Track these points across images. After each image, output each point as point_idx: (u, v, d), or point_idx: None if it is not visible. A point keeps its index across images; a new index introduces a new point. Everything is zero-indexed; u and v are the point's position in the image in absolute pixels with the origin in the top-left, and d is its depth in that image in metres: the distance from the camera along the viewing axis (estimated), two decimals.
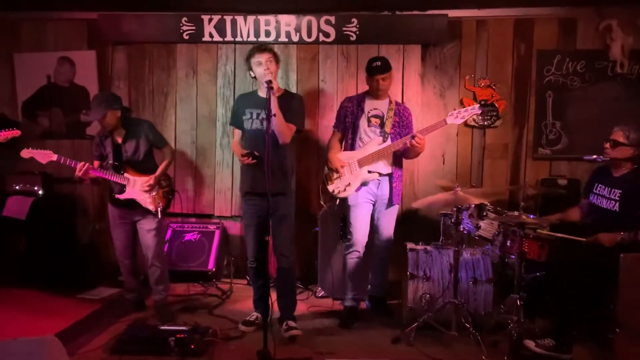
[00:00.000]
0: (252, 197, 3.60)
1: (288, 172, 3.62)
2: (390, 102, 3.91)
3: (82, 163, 3.64)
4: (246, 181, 3.66)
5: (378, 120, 3.87)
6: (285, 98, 3.57)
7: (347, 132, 3.94)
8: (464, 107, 4.51)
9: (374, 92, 3.88)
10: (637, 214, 2.86)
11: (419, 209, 4.70)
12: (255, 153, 3.44)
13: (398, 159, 3.93)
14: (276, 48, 4.59)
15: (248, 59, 3.53)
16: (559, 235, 3.53)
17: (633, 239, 3.18)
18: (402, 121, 3.90)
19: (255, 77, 3.55)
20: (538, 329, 3.44)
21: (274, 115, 3.26)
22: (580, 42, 4.65)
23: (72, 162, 3.66)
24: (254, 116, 3.56)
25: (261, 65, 3.43)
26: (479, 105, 3.68)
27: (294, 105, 3.58)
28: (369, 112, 3.88)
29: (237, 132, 3.72)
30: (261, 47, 3.51)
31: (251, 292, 3.99)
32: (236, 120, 3.68)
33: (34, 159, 3.72)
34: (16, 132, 3.76)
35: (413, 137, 3.66)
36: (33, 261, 4.50)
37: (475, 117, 4.68)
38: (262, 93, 3.29)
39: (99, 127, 3.85)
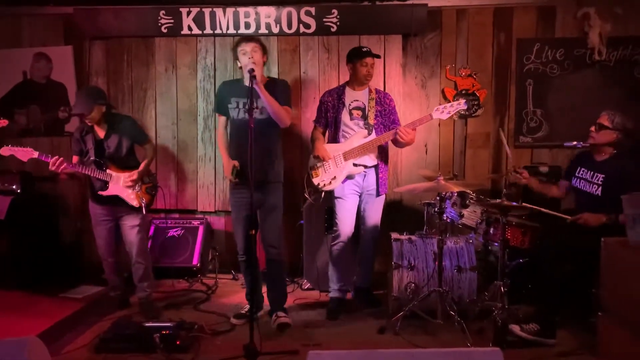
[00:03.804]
0: (240, 189, 3.54)
1: (276, 161, 3.60)
2: (371, 91, 3.90)
3: (56, 158, 3.59)
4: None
5: (360, 112, 3.85)
6: (271, 84, 3.54)
7: (330, 126, 3.92)
8: (449, 101, 4.60)
9: (362, 79, 3.83)
10: (619, 198, 2.89)
11: (403, 199, 4.74)
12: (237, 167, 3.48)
13: (384, 150, 3.93)
14: None
15: (235, 48, 3.50)
16: (545, 210, 3.55)
17: (614, 222, 3.23)
18: (384, 109, 3.88)
19: (241, 67, 3.50)
20: (522, 314, 3.48)
21: (256, 108, 3.25)
22: (559, 30, 4.69)
23: (49, 158, 3.61)
24: (241, 105, 3.52)
25: (246, 54, 3.40)
26: (464, 100, 3.67)
27: (282, 88, 3.56)
28: (350, 104, 3.86)
29: (222, 120, 3.66)
30: (248, 37, 3.50)
31: (236, 287, 4.00)
32: (221, 108, 3.63)
33: (14, 157, 3.68)
34: (3, 122, 3.71)
35: (396, 133, 3.66)
36: (13, 261, 4.42)
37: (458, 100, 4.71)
38: (255, 85, 3.24)
39: (78, 123, 3.79)
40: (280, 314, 3.62)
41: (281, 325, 3.53)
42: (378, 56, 3.90)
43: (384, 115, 3.88)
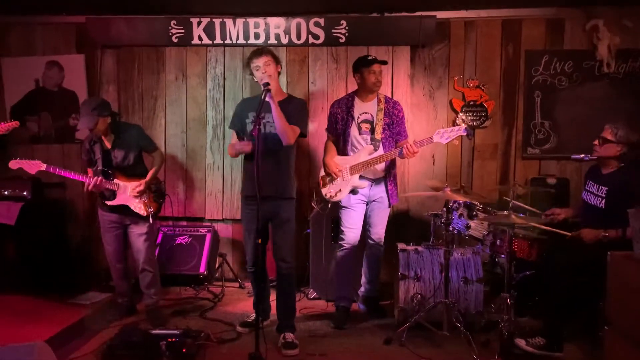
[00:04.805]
0: (253, 201, 3.38)
1: (289, 175, 3.56)
2: (380, 100, 3.89)
3: (96, 178, 3.64)
4: (248, 184, 3.55)
5: (368, 126, 3.85)
6: (289, 102, 3.53)
7: (340, 138, 3.93)
8: (457, 112, 4.69)
9: (371, 87, 3.82)
10: (622, 211, 2.88)
11: (410, 209, 4.74)
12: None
13: (391, 162, 3.92)
14: None
15: (248, 64, 3.49)
16: (545, 227, 3.55)
17: (620, 237, 3.22)
18: (392, 121, 3.88)
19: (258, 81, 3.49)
20: (529, 327, 3.47)
21: (262, 117, 3.26)
22: (567, 42, 4.69)
23: (64, 172, 3.66)
24: (260, 122, 3.49)
25: (259, 69, 3.40)
26: (465, 127, 3.62)
27: (297, 109, 3.52)
28: (358, 117, 3.86)
29: (236, 137, 3.65)
30: (258, 51, 3.46)
31: (243, 295, 4.00)
32: (238, 124, 3.61)
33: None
34: (15, 124, 3.77)
35: (401, 152, 3.65)
36: (23, 267, 4.47)
37: (464, 118, 4.72)
38: (268, 97, 3.21)
39: (88, 132, 3.83)
40: (289, 337, 3.45)
41: (289, 356, 3.36)
42: (385, 62, 3.91)
43: (392, 127, 3.88)
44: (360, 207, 3.90)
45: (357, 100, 3.92)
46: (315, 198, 4.01)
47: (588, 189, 3.59)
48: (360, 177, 3.82)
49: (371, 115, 3.87)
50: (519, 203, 3.92)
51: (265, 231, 3.56)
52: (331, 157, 3.91)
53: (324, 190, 3.90)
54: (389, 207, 3.94)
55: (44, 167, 3.68)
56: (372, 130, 3.84)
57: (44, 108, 5.02)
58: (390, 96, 4.67)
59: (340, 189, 3.83)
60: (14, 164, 3.71)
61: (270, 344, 3.26)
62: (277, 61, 3.49)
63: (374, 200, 3.92)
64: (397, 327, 3.56)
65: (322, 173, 3.97)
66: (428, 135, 3.68)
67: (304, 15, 4.66)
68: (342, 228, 3.92)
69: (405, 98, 4.74)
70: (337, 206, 3.95)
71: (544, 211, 3.83)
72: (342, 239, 3.91)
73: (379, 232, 3.97)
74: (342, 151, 3.93)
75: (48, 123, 5.04)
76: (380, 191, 3.90)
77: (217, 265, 4.83)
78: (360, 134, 3.86)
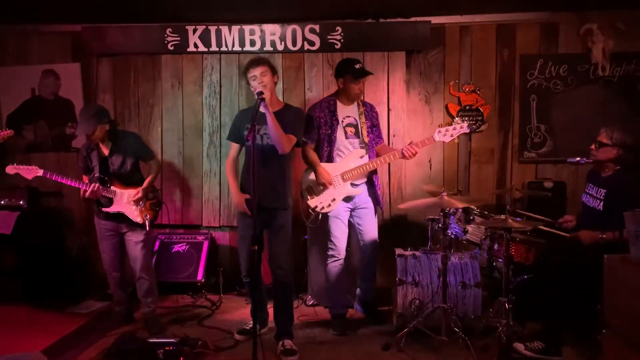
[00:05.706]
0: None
1: (286, 186, 3.54)
2: (359, 104, 3.88)
3: (94, 185, 3.62)
4: (245, 193, 3.54)
5: (353, 129, 3.83)
6: (286, 111, 3.53)
7: (322, 144, 3.83)
8: (453, 116, 4.67)
9: (354, 97, 3.82)
10: (620, 214, 2.89)
11: (407, 215, 4.74)
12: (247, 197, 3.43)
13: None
14: None
15: (244, 73, 3.49)
16: (545, 229, 3.56)
17: (617, 239, 3.22)
18: (372, 124, 3.89)
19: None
20: (527, 331, 3.46)
21: (259, 129, 3.25)
22: (562, 46, 4.71)
23: (61, 178, 3.65)
24: (255, 130, 3.49)
25: (256, 79, 3.40)
26: (467, 124, 3.59)
27: (294, 118, 3.52)
28: (342, 120, 3.83)
29: (235, 148, 3.64)
30: (255, 61, 3.46)
31: (241, 303, 3.98)
32: (237, 135, 3.60)
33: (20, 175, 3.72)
34: (10, 132, 3.77)
35: (403, 154, 3.65)
36: (20, 276, 4.45)
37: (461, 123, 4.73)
38: (262, 107, 3.23)
39: (85, 140, 3.83)
40: (287, 344, 3.46)
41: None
42: (371, 73, 3.91)
43: (374, 130, 3.89)
44: (346, 215, 3.88)
45: (339, 104, 3.87)
46: (302, 212, 3.94)
47: (587, 191, 3.60)
48: (352, 184, 3.79)
49: (354, 118, 3.85)
50: (528, 213, 3.93)
51: (261, 239, 3.55)
52: (320, 167, 3.79)
53: (312, 202, 3.78)
54: (376, 213, 3.92)
55: (40, 172, 3.68)
56: (358, 134, 3.82)
57: (40, 117, 5.02)
58: (386, 101, 4.71)
59: (334, 198, 3.75)
60: (10, 169, 3.71)
61: (268, 351, 3.24)
62: (273, 71, 3.49)
63: (360, 207, 3.89)
64: (396, 333, 3.55)
65: (307, 183, 3.85)
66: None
67: (299, 22, 4.67)
68: (331, 239, 3.87)
69: (402, 104, 4.75)
70: (325, 215, 3.85)
71: (546, 216, 3.82)
72: (333, 249, 3.87)
73: (372, 237, 3.96)
74: (327, 157, 3.82)
75: (44, 132, 5.03)
76: (365, 197, 3.88)
77: (214, 273, 4.81)
78: (346, 137, 3.82)
